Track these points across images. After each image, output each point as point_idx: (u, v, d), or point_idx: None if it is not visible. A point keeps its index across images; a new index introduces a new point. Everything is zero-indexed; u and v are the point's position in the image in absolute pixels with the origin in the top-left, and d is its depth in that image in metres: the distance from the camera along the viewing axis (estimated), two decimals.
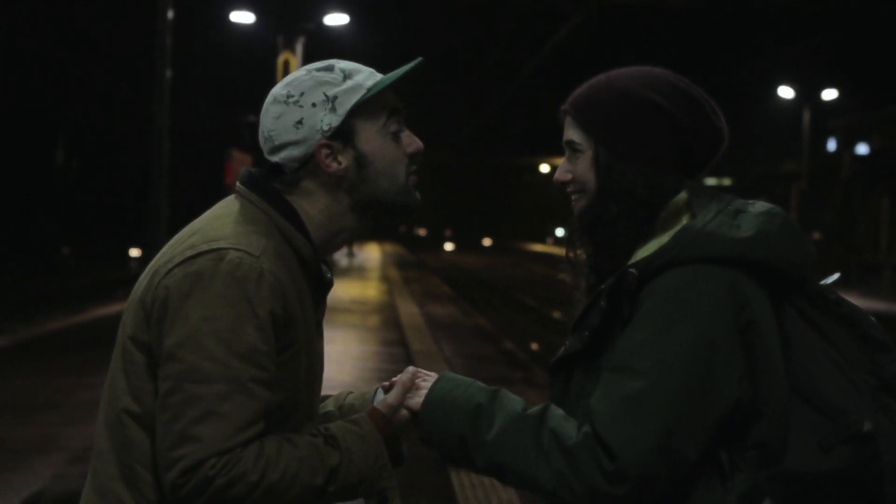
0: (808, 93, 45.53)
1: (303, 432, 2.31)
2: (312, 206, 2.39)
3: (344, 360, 15.26)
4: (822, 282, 2.38)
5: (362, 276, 39.65)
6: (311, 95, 2.36)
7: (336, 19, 27.85)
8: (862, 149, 50.04)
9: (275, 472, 2.19)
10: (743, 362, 2.17)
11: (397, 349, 17.01)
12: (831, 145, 54.00)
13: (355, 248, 63.35)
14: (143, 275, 2.35)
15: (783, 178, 54.34)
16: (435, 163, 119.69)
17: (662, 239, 2.28)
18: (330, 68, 2.40)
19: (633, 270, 2.23)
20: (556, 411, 2.28)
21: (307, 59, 29.01)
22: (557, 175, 2.45)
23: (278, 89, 2.40)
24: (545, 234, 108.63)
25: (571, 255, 2.47)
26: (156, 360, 2.24)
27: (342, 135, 2.36)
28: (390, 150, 2.40)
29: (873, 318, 2.35)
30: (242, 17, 25.53)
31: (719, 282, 2.18)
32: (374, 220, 2.46)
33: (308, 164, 2.37)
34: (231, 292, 2.20)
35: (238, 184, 2.42)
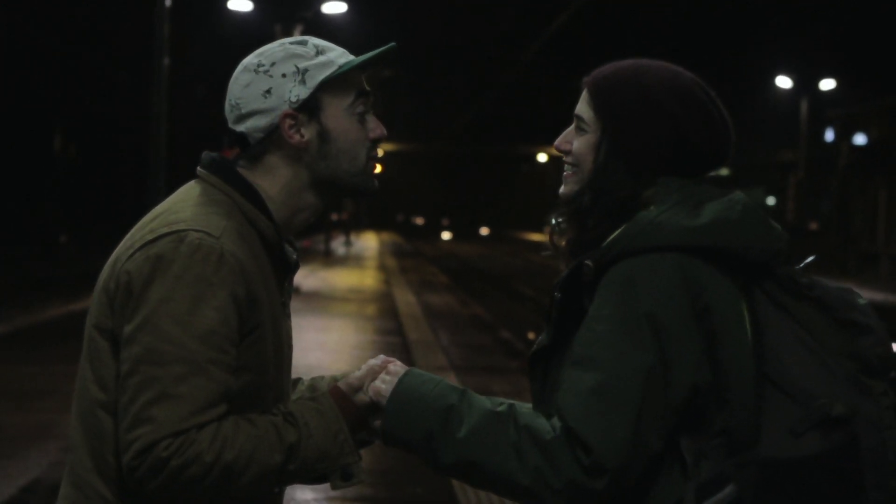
0: (806, 83, 45.55)
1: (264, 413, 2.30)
2: (273, 183, 2.38)
3: (341, 349, 15.25)
4: (799, 266, 2.36)
5: (359, 265, 39.66)
6: (282, 66, 2.36)
7: (334, 7, 27.81)
8: (859, 139, 50.01)
9: (230, 452, 2.16)
10: (699, 348, 2.17)
11: (394, 338, 17.01)
12: (829, 135, 53.97)
13: (353, 237, 63.30)
14: (107, 263, 2.33)
15: (781, 167, 54.35)
16: (432, 152, 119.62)
17: (619, 231, 2.28)
18: (303, 42, 2.41)
19: (588, 262, 2.23)
20: (524, 408, 2.28)
21: None
22: (558, 142, 2.45)
23: (249, 59, 2.40)
24: (542, 224, 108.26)
25: (553, 240, 2.47)
26: (119, 345, 2.22)
27: (308, 108, 2.36)
28: (354, 130, 2.40)
29: (861, 301, 2.34)
30: (240, 4, 25.48)
31: (668, 269, 2.18)
32: (332, 199, 2.46)
33: (272, 135, 2.36)
34: (190, 273, 2.18)
35: (199, 167, 2.41)
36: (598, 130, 2.37)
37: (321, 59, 2.38)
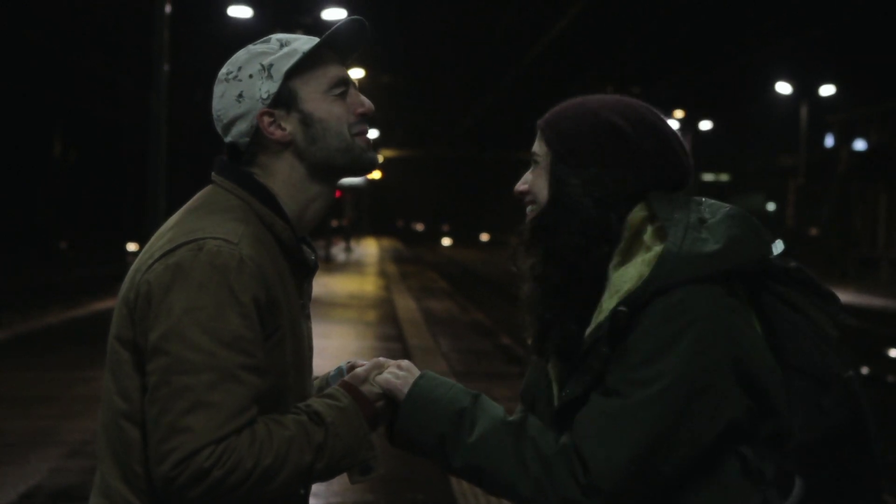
0: (805, 88, 45.57)
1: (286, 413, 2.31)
2: (275, 182, 2.39)
3: (341, 355, 15.23)
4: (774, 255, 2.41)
5: (360, 271, 39.66)
6: (248, 68, 2.38)
7: (333, 14, 27.83)
8: (859, 144, 50.03)
9: (269, 456, 2.17)
10: (732, 382, 2.22)
11: (395, 344, 17.00)
12: (829, 140, 54.00)
13: (353, 243, 63.32)
14: (127, 274, 2.34)
15: (780, 173, 54.36)
16: (432, 157, 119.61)
17: (641, 267, 2.27)
18: (267, 40, 2.42)
19: (622, 308, 2.24)
20: (536, 421, 2.32)
21: None
22: (516, 186, 2.48)
23: (221, 70, 2.42)
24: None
25: (515, 266, 2.47)
26: (141, 356, 2.22)
27: (283, 101, 2.37)
28: (336, 109, 2.40)
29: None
30: (240, 11, 25.49)
31: (704, 303, 2.22)
32: (334, 182, 2.46)
33: (257, 137, 2.37)
34: (212, 281, 2.18)
35: (213, 173, 2.42)
36: (550, 156, 2.41)
37: (285, 50, 2.39)
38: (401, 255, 62.25)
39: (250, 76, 2.37)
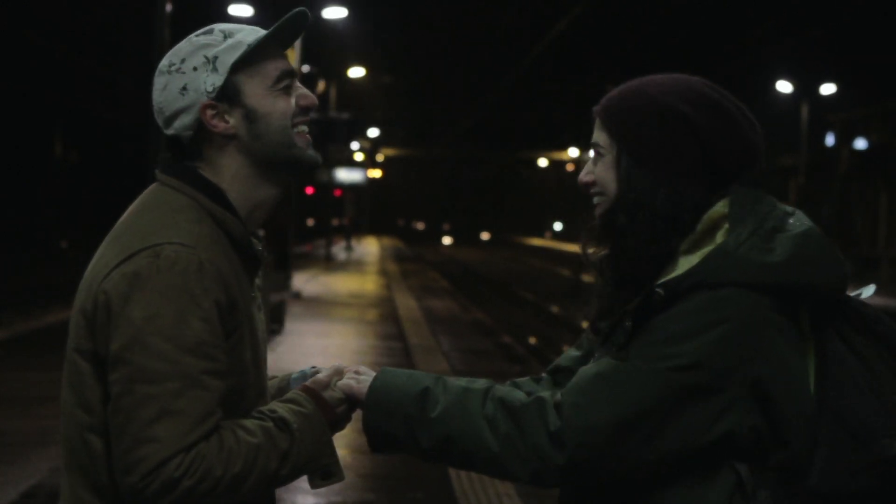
0: (806, 87, 45.53)
1: (250, 416, 2.29)
2: (221, 177, 2.35)
3: (342, 353, 15.24)
4: (857, 293, 2.34)
5: (360, 270, 39.65)
6: (192, 60, 2.33)
7: (334, 13, 27.82)
8: (860, 143, 50.02)
9: (237, 463, 2.16)
10: (742, 394, 2.16)
11: (395, 343, 17.01)
12: (829, 140, 53.98)
13: (354, 242, 63.30)
14: (81, 284, 2.30)
15: (781, 172, 54.33)
16: (433, 157, 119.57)
17: (693, 258, 2.23)
18: (210, 31, 2.38)
19: (659, 290, 2.20)
20: (502, 386, 2.32)
21: (305, 54, 29.00)
22: (581, 176, 2.42)
23: (162, 62, 2.38)
24: (543, 229, 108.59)
25: (586, 253, 2.44)
26: (103, 367, 2.19)
27: (227, 94, 2.32)
28: (280, 103, 2.36)
29: None
30: (240, 10, 25.48)
31: (739, 309, 2.16)
32: (280, 179, 2.41)
33: (201, 130, 2.34)
34: (171, 288, 2.16)
35: (157, 172, 2.38)
36: (615, 149, 2.35)
37: (229, 42, 2.35)
38: (402, 254, 62.23)
39: (194, 68, 2.33)
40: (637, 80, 2.40)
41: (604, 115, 2.38)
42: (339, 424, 2.40)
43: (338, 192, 57.54)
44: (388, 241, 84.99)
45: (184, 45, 2.37)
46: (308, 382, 2.41)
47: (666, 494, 2.20)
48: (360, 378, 2.40)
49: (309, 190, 56.65)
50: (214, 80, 2.32)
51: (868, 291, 2.34)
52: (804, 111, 45.00)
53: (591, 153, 2.42)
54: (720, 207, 2.27)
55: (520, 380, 2.59)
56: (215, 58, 2.33)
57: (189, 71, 2.33)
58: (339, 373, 2.44)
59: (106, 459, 2.20)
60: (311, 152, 2.41)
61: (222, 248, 2.28)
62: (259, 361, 2.38)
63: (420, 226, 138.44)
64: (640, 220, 2.29)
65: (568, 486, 2.33)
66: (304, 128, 2.40)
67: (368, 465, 8.24)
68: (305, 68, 29.59)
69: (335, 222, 74.13)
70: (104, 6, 44.68)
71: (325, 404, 2.36)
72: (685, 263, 2.23)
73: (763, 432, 2.17)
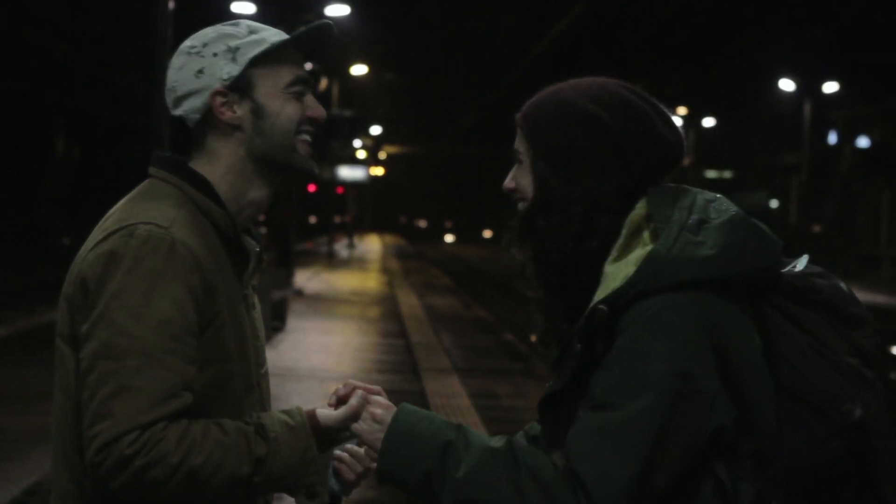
0: (808, 85, 45.54)
1: (242, 415, 2.27)
2: (216, 169, 2.36)
3: (344, 351, 15.24)
4: (791, 268, 2.32)
5: (362, 268, 39.66)
6: (214, 46, 2.36)
7: (336, 10, 27.83)
8: (862, 141, 49.97)
9: (198, 457, 2.12)
10: (716, 388, 2.15)
11: (397, 340, 17.01)
12: (832, 138, 53.93)
13: (356, 240, 63.31)
14: (69, 272, 2.31)
15: (784, 170, 54.33)
16: (435, 154, 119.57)
17: (627, 267, 2.21)
18: (237, 24, 2.41)
19: (602, 307, 2.18)
20: (523, 443, 2.25)
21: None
22: (504, 183, 2.43)
23: (184, 43, 2.41)
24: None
25: (514, 256, 2.43)
26: (79, 348, 2.20)
27: (240, 86, 2.35)
28: (290, 107, 2.38)
29: (844, 289, 2.31)
30: (243, 7, 25.49)
31: (688, 309, 2.15)
32: (275, 182, 2.41)
33: (207, 115, 2.35)
34: (141, 266, 2.16)
35: (149, 167, 2.40)
36: (531, 154, 2.36)
37: (253, 37, 2.37)
38: (403, 252, 62.24)
39: (214, 54, 2.35)
40: (554, 86, 2.40)
41: (521, 122, 2.39)
42: (332, 441, 2.35)
43: (340, 190, 57.60)
44: (390, 239, 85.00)
45: (209, 32, 2.39)
46: (318, 411, 2.35)
47: None
48: (376, 427, 2.32)
49: (311, 187, 56.62)
50: (231, 70, 2.34)
51: (801, 263, 2.32)
52: (806, 109, 44.99)
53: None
54: (640, 209, 2.26)
55: (530, 428, 2.56)
56: (237, 48, 2.36)
57: (209, 56, 2.35)
58: (354, 416, 2.34)
59: (79, 443, 2.19)
60: (309, 162, 2.42)
61: (202, 234, 2.28)
62: (246, 354, 2.36)
63: (422, 223, 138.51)
64: (556, 223, 2.29)
65: None
66: (308, 137, 2.42)
67: None
68: (308, 65, 29.54)
69: (337, 220, 74.17)
70: (104, 5, 44.65)
71: (317, 423, 2.32)
72: (620, 274, 2.21)
73: (740, 422, 2.17)
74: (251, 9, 25.44)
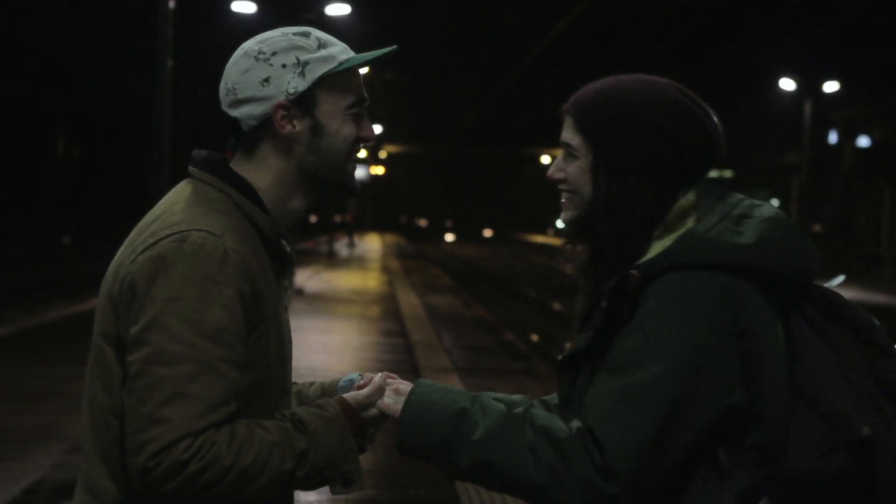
0: (809, 85, 45.49)
1: (272, 417, 2.30)
2: (263, 176, 2.38)
3: (344, 350, 15.25)
4: (827, 284, 2.40)
5: (363, 267, 39.66)
6: (283, 56, 2.35)
7: (337, 9, 27.82)
8: (863, 141, 49.95)
9: (248, 457, 2.16)
10: (737, 369, 2.19)
11: (398, 340, 17.01)
12: (832, 137, 53.91)
13: (356, 239, 63.31)
14: (108, 271, 2.32)
15: (784, 169, 54.31)
16: (435, 153, 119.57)
17: (665, 242, 2.29)
18: (306, 34, 2.39)
19: (634, 272, 2.24)
20: (540, 411, 2.31)
21: None
22: (551, 172, 2.45)
23: (251, 44, 2.39)
24: (545, 225, 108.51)
25: (569, 249, 2.48)
26: (124, 350, 2.21)
27: (303, 102, 2.35)
28: (347, 129, 2.39)
29: (876, 322, 2.36)
30: (244, 7, 25.49)
31: (715, 288, 2.20)
32: (318, 195, 2.45)
33: (265, 124, 2.36)
34: (195, 273, 2.18)
35: (190, 167, 2.40)
36: (590, 154, 2.38)
37: (322, 52, 2.37)
38: (404, 251, 62.22)
39: (283, 66, 2.35)
40: (611, 83, 2.43)
41: (578, 117, 2.41)
42: (365, 431, 2.41)
43: None
44: (390, 238, 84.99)
45: (278, 38, 2.38)
46: (346, 396, 2.40)
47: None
48: (395, 397, 2.41)
49: None
50: (298, 85, 2.34)
51: (837, 281, 2.39)
52: (807, 109, 44.97)
53: (562, 150, 2.45)
54: (689, 198, 2.34)
55: (548, 398, 2.59)
56: (306, 63, 2.35)
57: (277, 66, 2.35)
58: (380, 391, 2.42)
59: (123, 442, 2.21)
60: (356, 182, 2.47)
61: (250, 242, 2.30)
62: (283, 359, 2.39)
63: (422, 222, 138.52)
64: (619, 226, 2.34)
65: None
66: (357, 156, 2.45)
67: (371, 461, 8.24)
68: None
69: (338, 219, 74.14)
70: (104, 5, 44.67)
71: (351, 412, 2.36)
72: (658, 246, 2.29)
73: (746, 409, 2.20)
74: (251, 8, 25.43)
